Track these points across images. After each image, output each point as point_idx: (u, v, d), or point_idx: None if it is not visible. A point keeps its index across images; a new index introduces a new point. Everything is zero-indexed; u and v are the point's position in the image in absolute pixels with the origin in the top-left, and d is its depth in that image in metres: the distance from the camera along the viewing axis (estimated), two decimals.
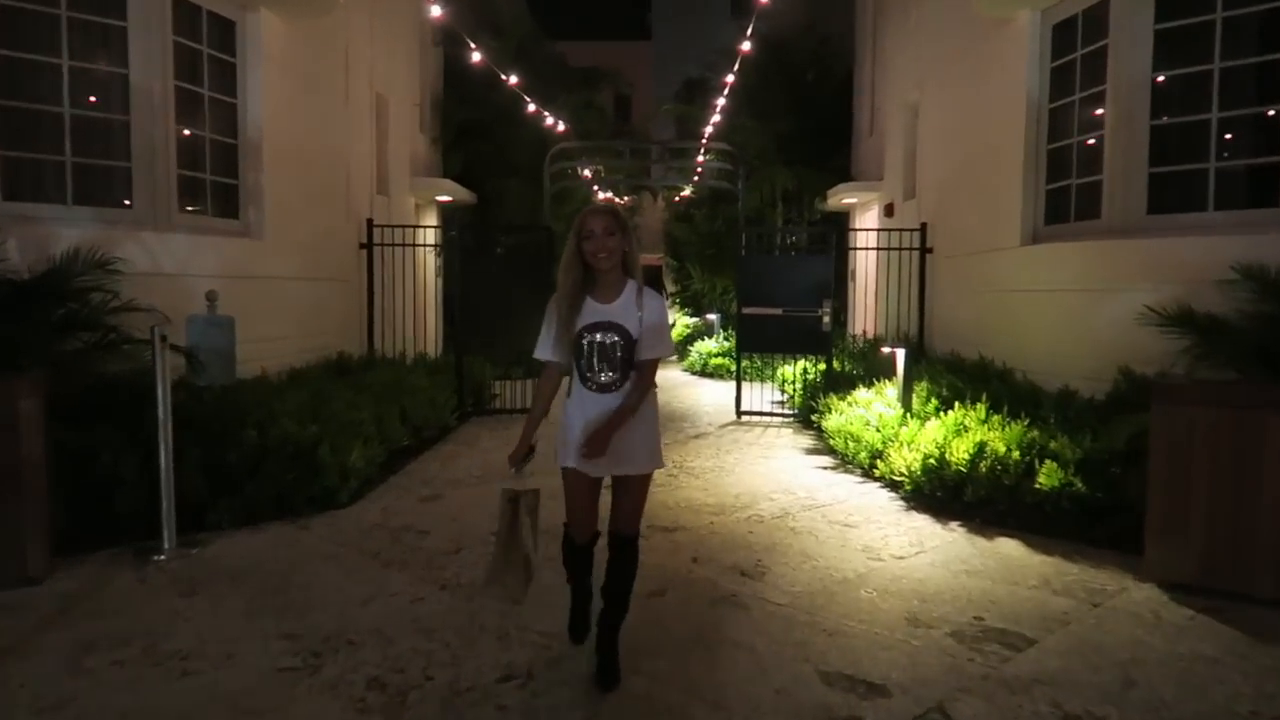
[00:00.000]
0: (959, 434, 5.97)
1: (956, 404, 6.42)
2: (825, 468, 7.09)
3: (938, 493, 5.77)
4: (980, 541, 5.05)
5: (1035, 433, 5.66)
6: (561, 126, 11.78)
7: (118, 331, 5.40)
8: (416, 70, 12.55)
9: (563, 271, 3.06)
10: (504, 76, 10.45)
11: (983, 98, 8.11)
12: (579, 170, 15.27)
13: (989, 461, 5.51)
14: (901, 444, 6.34)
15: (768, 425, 9.36)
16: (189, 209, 6.68)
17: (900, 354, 6.89)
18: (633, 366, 3.09)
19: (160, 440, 4.73)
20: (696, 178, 13.14)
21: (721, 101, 11.16)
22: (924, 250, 9.59)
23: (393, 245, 9.77)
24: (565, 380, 3.26)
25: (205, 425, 5.34)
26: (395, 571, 4.49)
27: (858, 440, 6.93)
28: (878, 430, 6.77)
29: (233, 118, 7.07)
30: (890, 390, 7.46)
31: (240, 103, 7.09)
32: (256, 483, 5.24)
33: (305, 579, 4.37)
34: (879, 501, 5.99)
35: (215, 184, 6.96)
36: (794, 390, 10.21)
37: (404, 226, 9.85)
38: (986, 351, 7.67)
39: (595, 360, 3.07)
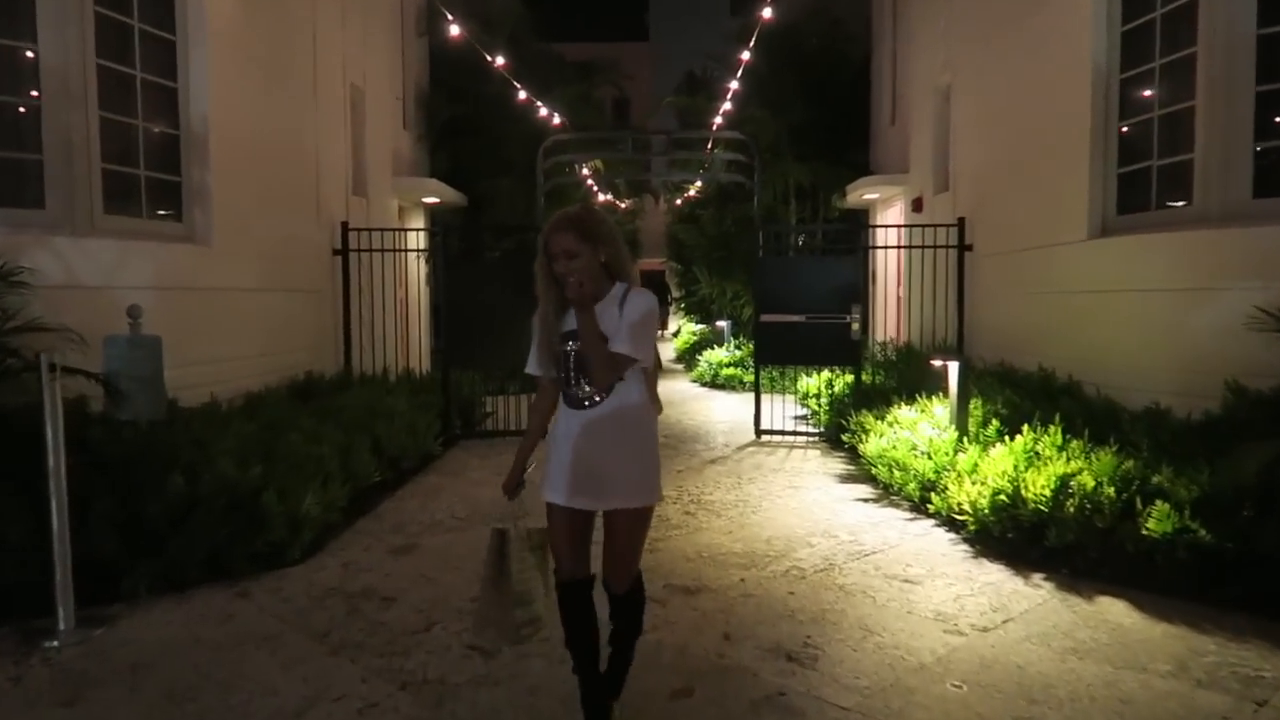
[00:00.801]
0: (1032, 464, 5.03)
1: (1025, 427, 5.47)
2: (866, 500, 6.15)
3: (1009, 533, 4.84)
4: (1078, 604, 4.10)
5: (1130, 462, 4.71)
6: (557, 119, 10.86)
7: (18, 356, 4.47)
8: (398, 62, 11.64)
9: (540, 287, 2.79)
10: (490, 58, 9.51)
11: (1032, 74, 7.19)
12: (576, 168, 14.38)
13: (1076, 499, 4.57)
14: (960, 475, 5.40)
15: (791, 446, 8.41)
16: (121, 212, 5.75)
17: (953, 368, 5.94)
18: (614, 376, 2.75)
19: (51, 492, 3.80)
20: (704, 169, 12.17)
21: (734, 85, 10.18)
22: (962, 248, 8.66)
23: (371, 251, 8.84)
24: None
25: (123, 469, 4.41)
26: (346, 661, 3.55)
27: (904, 469, 5.99)
28: (928, 457, 5.83)
29: (173, 105, 6.15)
30: (939, 409, 6.51)
31: (182, 87, 6.17)
32: (182, 539, 4.30)
33: (228, 674, 3.43)
34: (938, 546, 5.05)
35: (152, 182, 6.04)
36: (818, 406, 9.26)
37: (384, 230, 8.92)
38: (1046, 361, 6.73)
39: (572, 372, 2.75)
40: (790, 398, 10.00)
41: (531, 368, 2.85)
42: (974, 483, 5.18)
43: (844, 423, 8.06)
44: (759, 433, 8.79)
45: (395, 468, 6.73)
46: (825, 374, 9.48)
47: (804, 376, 10.22)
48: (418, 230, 10.44)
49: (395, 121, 11.45)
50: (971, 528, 5.06)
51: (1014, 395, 6.34)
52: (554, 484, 2.76)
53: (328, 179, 8.71)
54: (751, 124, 12.47)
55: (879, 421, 7.12)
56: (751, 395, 11.98)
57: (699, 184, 16.95)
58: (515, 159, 12.67)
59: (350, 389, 7.79)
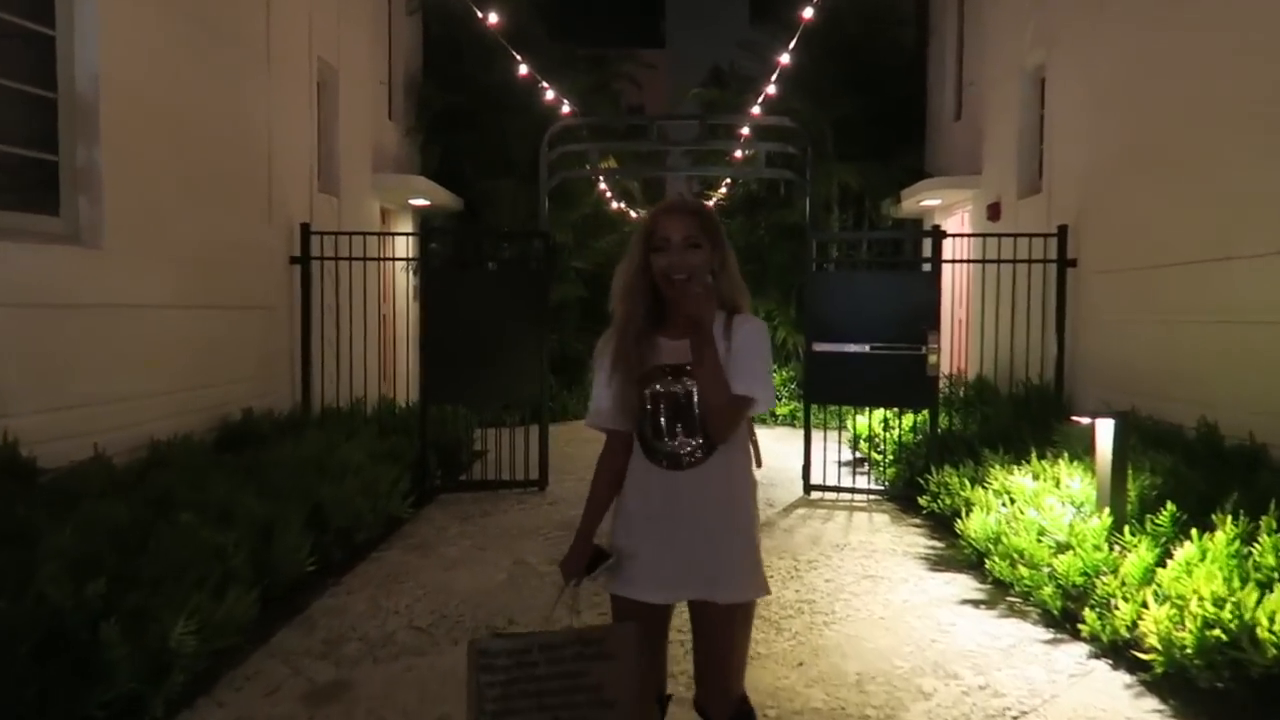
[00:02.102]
0: (1249, 580, 3.45)
1: (1218, 516, 3.89)
2: (977, 603, 4.58)
3: (1226, 685, 3.27)
4: None
5: None
6: (566, 108, 9.37)
7: None
8: (383, 41, 10.19)
9: (621, 297, 2.16)
10: (482, 16, 7.96)
11: (1179, 41, 5.65)
12: (589, 167, 12.88)
13: None
14: (1127, 583, 3.83)
15: (851, 507, 6.85)
16: None
17: (1104, 427, 4.37)
18: None
19: None
20: (740, 154, 10.55)
21: (784, 60, 8.59)
22: (1063, 262, 7.09)
23: (339, 259, 7.33)
24: None
25: None
26: None
27: (1032, 565, 4.40)
28: (1070, 550, 4.25)
29: (49, 60, 4.67)
30: (1073, 480, 4.92)
31: (62, 35, 4.70)
32: None
33: None
34: (1117, 701, 3.47)
35: (16, 161, 4.55)
36: (878, 453, 7.69)
37: (357, 234, 7.40)
38: (1207, 411, 5.14)
39: (664, 420, 2.14)
40: (831, 432, 8.39)
41: (598, 419, 2.25)
42: (1158, 599, 3.61)
43: (920, 481, 6.50)
44: (809, 488, 7.22)
45: (345, 543, 5.21)
46: (881, 412, 7.94)
47: (855, 413, 8.67)
48: (405, 235, 8.96)
49: (378, 110, 9.98)
50: (1159, 669, 3.49)
51: (1167, 460, 4.77)
52: (630, 571, 2.18)
53: (285, 171, 7.22)
54: (791, 119, 10.95)
55: (977, 488, 5.54)
56: (790, 432, 10.50)
57: (724, 190, 15.42)
58: (519, 157, 11.17)
59: (302, 432, 6.26)
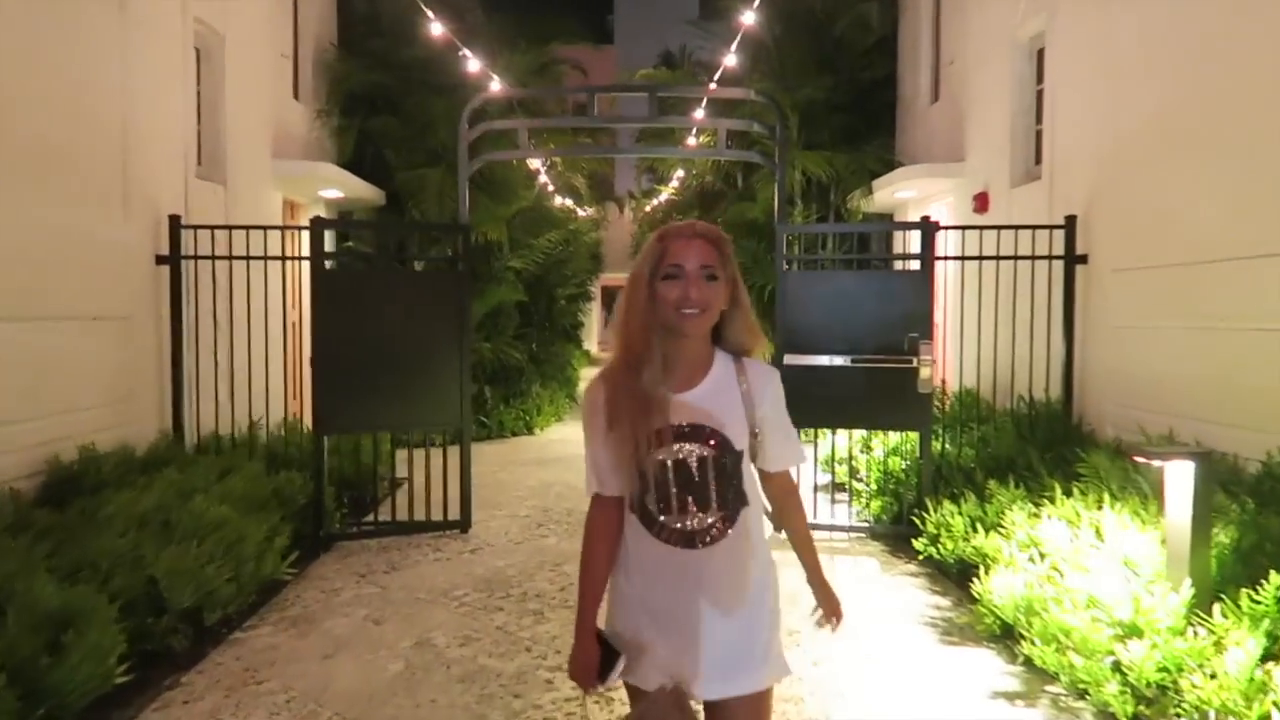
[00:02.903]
0: None
1: None
2: (1010, 698, 3.57)
3: None
4: None
5: None
6: (497, 85, 8.24)
7: None
8: (287, 7, 8.97)
9: (620, 329, 1.89)
10: None
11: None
12: (524, 163, 11.76)
13: None
14: (1229, 688, 2.85)
15: (831, 548, 5.84)
16: None
17: (1181, 472, 3.39)
18: (742, 497, 1.91)
19: None
20: (694, 141, 9.49)
21: (747, 18, 7.48)
22: (1071, 259, 6.17)
23: (216, 259, 6.13)
24: None
25: None
26: None
27: (1087, 651, 3.40)
28: (1141, 637, 3.26)
29: None
30: (1122, 532, 3.93)
31: None
32: None
33: None
34: None
35: None
36: (857, 480, 6.70)
37: (239, 228, 6.17)
38: (1267, 437, 4.21)
39: (674, 490, 1.87)
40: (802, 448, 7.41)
41: (606, 485, 1.92)
42: None
43: (914, 518, 5.54)
44: (778, 525, 6.18)
45: (195, 626, 4.04)
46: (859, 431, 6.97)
47: (830, 431, 7.67)
48: (295, 227, 7.72)
49: (280, 87, 8.76)
50: None
51: (1234, 504, 3.82)
52: (638, 663, 1.90)
53: (148, 151, 6.01)
54: (750, 106, 9.96)
55: (992, 534, 4.56)
56: None
57: (675, 184, 14.42)
58: (448, 144, 10.01)
59: (160, 472, 5.06)
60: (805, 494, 6.53)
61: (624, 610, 1.95)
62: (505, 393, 11.26)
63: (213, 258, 6.12)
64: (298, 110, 9.23)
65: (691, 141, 11.24)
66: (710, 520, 1.88)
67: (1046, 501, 4.66)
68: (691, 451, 1.87)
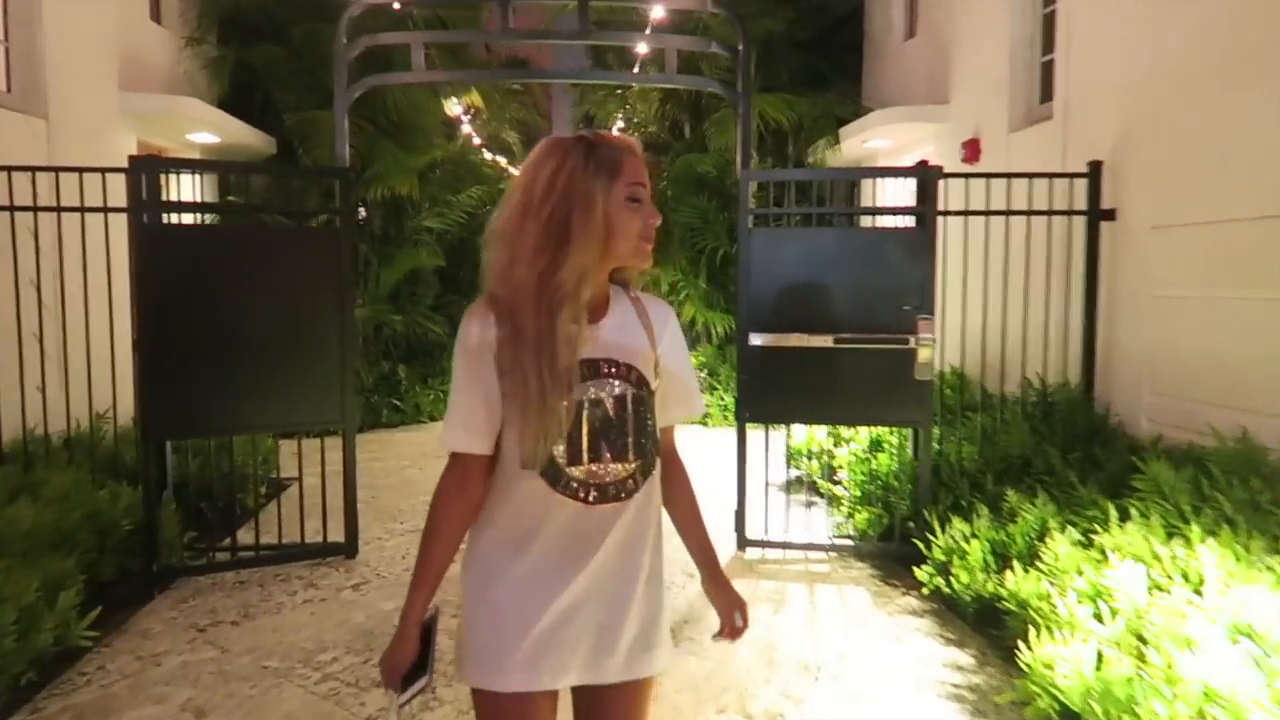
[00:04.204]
0: None
1: None
2: None
3: None
4: None
5: None
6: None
7: None
8: None
9: (574, 253, 1.56)
10: None
11: None
12: (448, 109, 10.39)
13: None
14: None
15: (809, 575, 4.76)
16: None
17: None
18: (656, 444, 1.71)
19: None
20: (638, 68, 8.20)
21: None
22: (1096, 214, 5.13)
23: (38, 209, 4.73)
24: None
25: None
26: None
27: None
28: None
29: None
30: (1224, 575, 2.89)
31: None
32: None
33: None
34: None
35: None
36: (833, 481, 5.64)
37: (57, 170, 4.77)
38: None
39: (586, 437, 1.61)
40: (754, 432, 6.26)
41: (473, 440, 1.63)
42: None
43: (910, 535, 4.51)
44: (744, 542, 5.09)
45: None
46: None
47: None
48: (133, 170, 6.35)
49: (131, 5, 7.26)
50: None
51: None
52: (511, 654, 1.61)
53: None
54: (704, 27, 8.75)
55: (1030, 573, 3.51)
56: (701, 434, 8.40)
57: (616, 130, 13.14)
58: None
59: None
60: (774, 497, 5.50)
61: (507, 605, 1.63)
62: (423, 372, 9.97)
63: (33, 209, 4.71)
64: (157, 35, 7.76)
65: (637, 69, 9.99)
66: (628, 470, 1.65)
67: (1098, 528, 3.63)
68: (608, 391, 1.64)
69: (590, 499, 1.60)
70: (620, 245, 1.59)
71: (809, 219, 5.28)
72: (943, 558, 4.21)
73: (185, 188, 7.47)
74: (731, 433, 7.35)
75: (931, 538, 4.32)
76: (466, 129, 11.93)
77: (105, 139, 6.60)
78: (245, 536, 5.06)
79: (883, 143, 8.35)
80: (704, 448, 7.88)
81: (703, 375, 9.57)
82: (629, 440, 1.63)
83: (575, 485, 1.60)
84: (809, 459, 6.25)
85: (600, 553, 1.63)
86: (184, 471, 5.26)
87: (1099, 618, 3.06)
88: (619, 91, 11.06)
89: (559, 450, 1.59)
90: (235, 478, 5.35)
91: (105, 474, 4.92)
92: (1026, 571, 3.60)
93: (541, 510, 1.61)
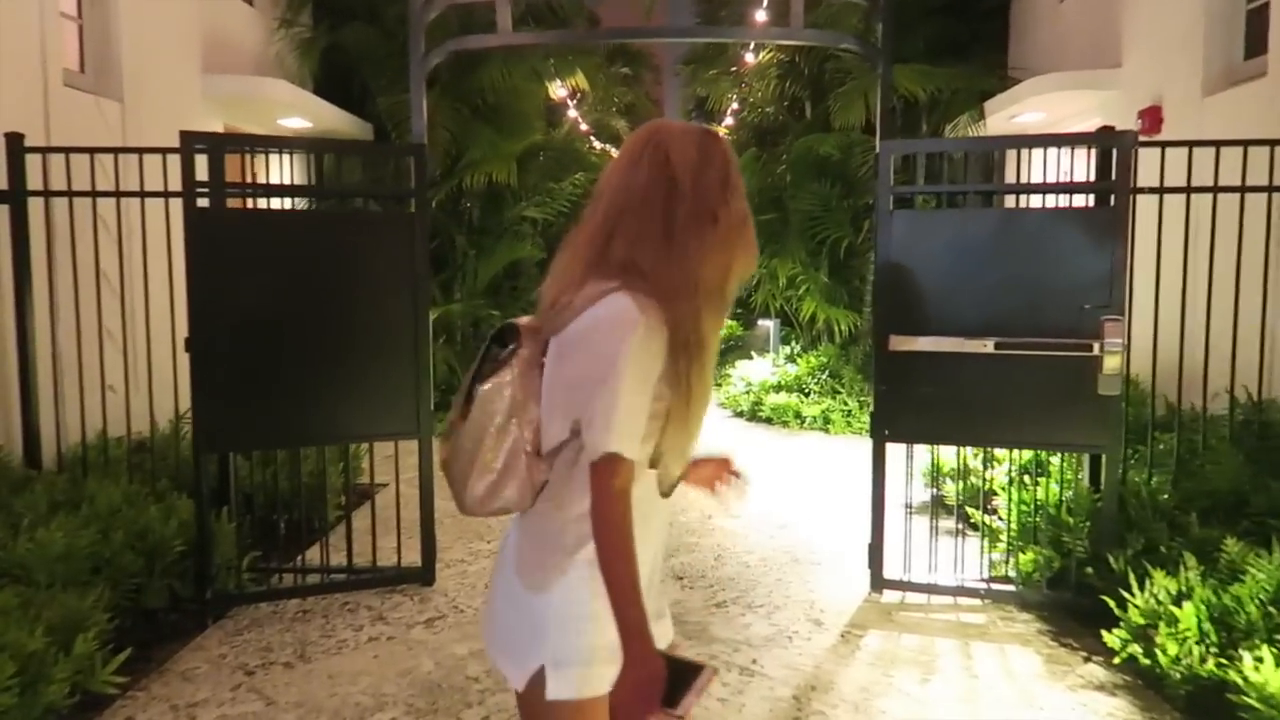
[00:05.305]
0: None
1: None
2: None
3: None
4: None
5: None
6: None
7: None
8: None
9: (744, 261, 1.58)
10: None
11: None
12: (553, 92, 9.88)
13: None
14: None
15: (960, 627, 3.95)
16: None
17: None
18: None
19: None
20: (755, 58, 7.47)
21: None
22: None
23: (93, 195, 4.36)
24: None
25: None
26: None
27: None
28: None
29: None
30: None
31: None
32: None
33: None
34: None
35: None
36: (985, 511, 4.78)
37: (117, 151, 4.40)
38: None
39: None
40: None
41: (636, 444, 1.49)
42: None
43: (1091, 584, 3.68)
44: (880, 583, 4.32)
45: None
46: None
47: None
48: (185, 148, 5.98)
49: None
50: None
51: None
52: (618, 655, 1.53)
53: None
54: (828, 11, 7.95)
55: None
56: (830, 447, 7.57)
57: (728, 125, 12.40)
58: (443, 60, 8.20)
59: None
60: (903, 523, 4.72)
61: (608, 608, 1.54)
62: None
63: (90, 194, 4.35)
64: (247, 16, 7.46)
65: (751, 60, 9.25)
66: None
67: None
68: None
69: (664, 494, 1.62)
70: (742, 262, 1.58)
71: (961, 200, 4.47)
72: (1141, 620, 3.36)
73: (274, 173, 7.18)
74: (855, 440, 6.57)
75: (1126, 595, 3.47)
76: (572, 114, 11.42)
77: (186, 124, 6.25)
78: (318, 554, 4.58)
79: (1035, 116, 7.37)
80: (827, 458, 7.11)
81: (824, 378, 8.77)
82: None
83: (665, 483, 1.61)
84: (953, 479, 5.41)
85: (663, 540, 1.72)
86: (257, 479, 4.85)
87: None
88: (734, 70, 10.33)
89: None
90: (315, 487, 4.91)
91: (173, 484, 4.54)
92: (1273, 652, 2.74)
93: (650, 511, 1.59)
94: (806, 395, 8.79)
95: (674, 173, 1.46)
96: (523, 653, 1.54)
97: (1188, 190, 4.06)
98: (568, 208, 10.20)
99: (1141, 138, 5.65)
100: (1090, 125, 6.91)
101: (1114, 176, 3.88)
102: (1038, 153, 4.24)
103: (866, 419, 7.95)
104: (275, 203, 4.63)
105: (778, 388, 9.08)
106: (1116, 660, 3.44)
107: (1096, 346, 3.85)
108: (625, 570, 1.46)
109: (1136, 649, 3.34)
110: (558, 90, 10.01)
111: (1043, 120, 7.47)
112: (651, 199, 1.46)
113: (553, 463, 1.54)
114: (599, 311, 1.44)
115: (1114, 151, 3.89)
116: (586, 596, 1.50)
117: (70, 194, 4.39)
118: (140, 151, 4.32)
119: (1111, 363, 3.85)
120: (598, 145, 14.16)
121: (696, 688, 1.51)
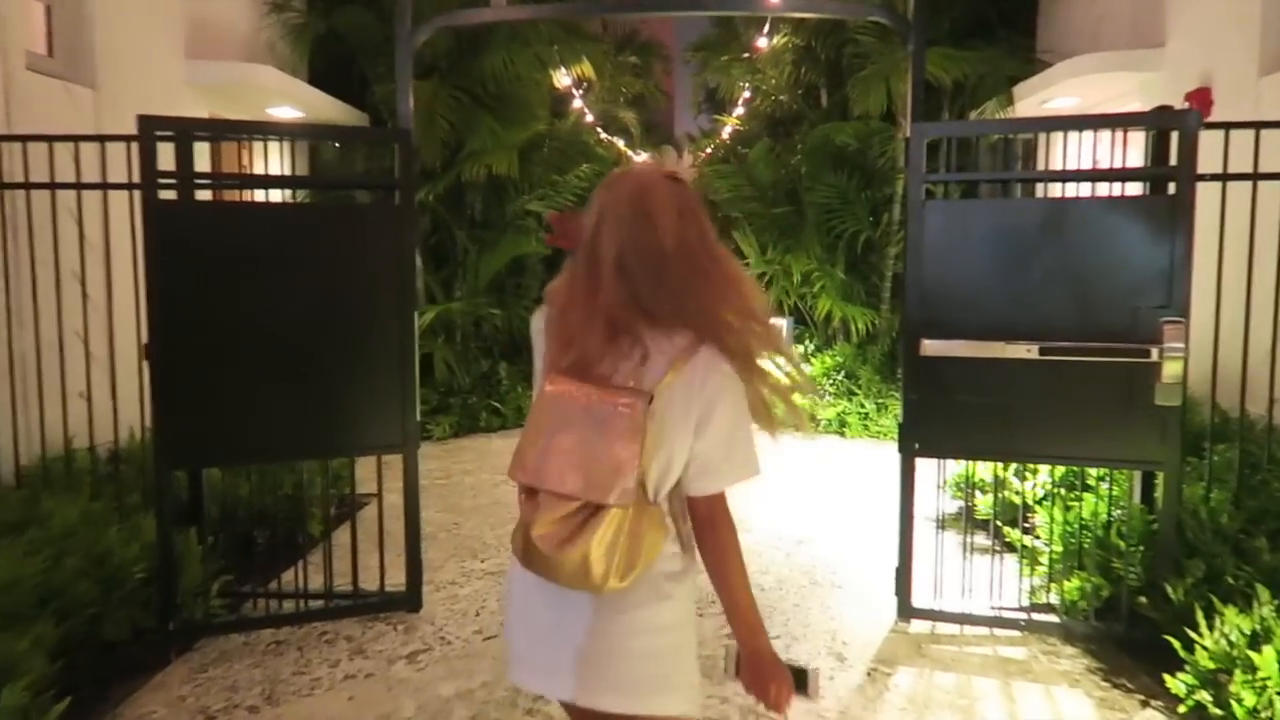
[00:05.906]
0: None
1: None
2: None
3: None
4: None
5: None
6: None
7: None
8: None
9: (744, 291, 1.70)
10: None
11: None
12: (558, 81, 9.51)
13: None
14: None
15: (1000, 663, 3.57)
16: None
17: None
18: None
19: None
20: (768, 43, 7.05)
21: None
22: None
23: (52, 187, 4.02)
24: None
25: None
26: None
27: None
28: None
29: None
30: None
31: None
32: None
33: None
34: None
35: None
36: (1023, 529, 4.38)
37: (77, 139, 4.06)
38: None
39: None
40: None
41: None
42: None
43: (1156, 622, 3.29)
44: (908, 611, 3.94)
45: None
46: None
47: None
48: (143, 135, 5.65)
49: None
50: None
51: None
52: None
53: None
54: None
55: None
56: (846, 451, 7.17)
57: (739, 115, 11.95)
58: (439, 45, 7.85)
59: None
60: (934, 541, 4.34)
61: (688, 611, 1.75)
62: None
63: (50, 186, 4.01)
64: (235, 0, 7.10)
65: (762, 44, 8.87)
66: None
67: None
68: None
69: None
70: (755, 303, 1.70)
71: (993, 189, 4.08)
72: (1211, 664, 2.98)
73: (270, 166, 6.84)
74: (872, 445, 6.23)
75: (1193, 634, 3.09)
76: (578, 104, 11.03)
77: (167, 112, 5.93)
78: (297, 576, 4.23)
79: (1069, 101, 6.95)
80: (844, 464, 6.72)
81: (840, 378, 8.38)
82: None
83: None
84: (984, 491, 5.01)
85: None
86: (232, 493, 4.51)
87: None
88: (746, 56, 9.93)
89: None
90: (295, 500, 4.58)
91: (144, 501, 4.19)
92: None
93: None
94: (821, 397, 8.40)
95: (699, 227, 1.61)
96: (635, 682, 1.62)
97: (1254, 177, 3.65)
98: (574, 201, 9.84)
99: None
100: (1129, 109, 6.50)
101: (1174, 161, 3.49)
102: (1059, 140, 3.84)
103: (884, 422, 7.57)
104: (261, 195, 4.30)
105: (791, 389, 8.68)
106: (1181, 709, 3.05)
107: (1155, 352, 3.46)
108: (744, 582, 1.65)
109: (1205, 696, 2.96)
110: (563, 80, 9.63)
111: (1077, 105, 7.04)
112: (668, 255, 1.57)
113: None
114: (697, 368, 1.56)
115: (1173, 134, 3.49)
116: (687, 619, 1.70)
117: (28, 186, 4.06)
118: (103, 139, 3.96)
119: (1172, 369, 3.45)
120: (605, 136, 13.76)
121: (813, 687, 1.67)
